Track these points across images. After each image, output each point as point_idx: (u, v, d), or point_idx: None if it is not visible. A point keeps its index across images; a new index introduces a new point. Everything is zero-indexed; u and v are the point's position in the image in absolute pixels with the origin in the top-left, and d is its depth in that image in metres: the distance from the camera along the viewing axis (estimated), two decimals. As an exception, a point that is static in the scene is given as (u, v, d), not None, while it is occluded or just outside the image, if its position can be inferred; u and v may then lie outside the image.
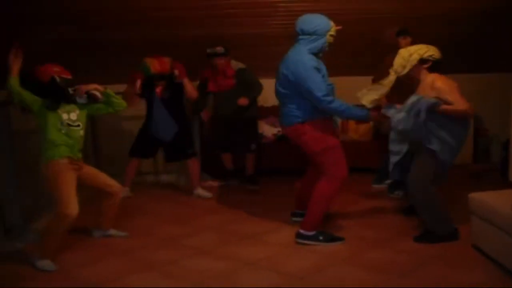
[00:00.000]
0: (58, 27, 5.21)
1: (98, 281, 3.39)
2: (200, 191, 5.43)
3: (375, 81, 4.72)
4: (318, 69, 3.69)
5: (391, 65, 4.02)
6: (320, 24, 3.71)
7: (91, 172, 3.96)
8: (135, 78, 4.96)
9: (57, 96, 3.65)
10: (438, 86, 3.72)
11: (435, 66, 3.86)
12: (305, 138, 3.85)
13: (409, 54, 3.86)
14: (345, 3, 5.21)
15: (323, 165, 3.86)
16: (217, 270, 3.50)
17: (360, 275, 3.35)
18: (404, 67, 3.88)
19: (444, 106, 3.66)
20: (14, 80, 3.52)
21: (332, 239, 3.91)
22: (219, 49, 5.19)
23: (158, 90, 5.08)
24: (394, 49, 4.38)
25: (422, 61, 3.83)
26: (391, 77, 4.06)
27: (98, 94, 3.77)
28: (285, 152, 5.87)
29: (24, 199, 4.37)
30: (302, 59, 3.68)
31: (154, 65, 4.94)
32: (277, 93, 3.95)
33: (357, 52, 6.13)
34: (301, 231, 3.91)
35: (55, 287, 3.33)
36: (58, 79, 3.64)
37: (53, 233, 3.61)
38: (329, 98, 3.64)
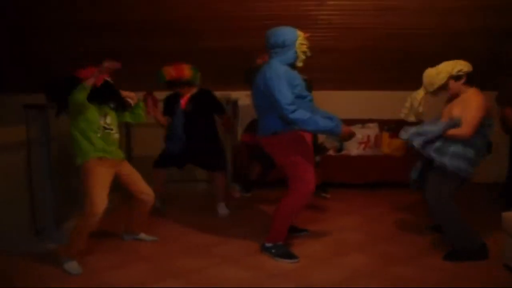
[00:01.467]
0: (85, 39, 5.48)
1: (122, 286, 3.41)
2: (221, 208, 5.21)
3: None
4: (289, 79, 3.62)
5: None
6: (287, 35, 3.70)
7: (129, 173, 3.95)
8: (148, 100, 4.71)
9: (106, 98, 3.66)
10: (469, 102, 3.69)
11: (471, 79, 3.78)
12: (274, 150, 3.84)
13: (437, 73, 3.82)
14: (380, 16, 5.17)
15: (289, 179, 3.83)
16: (242, 279, 3.51)
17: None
18: (432, 84, 3.84)
19: (447, 133, 3.67)
20: (85, 90, 3.44)
21: (284, 255, 3.85)
22: None
23: (182, 101, 4.95)
24: None
25: (455, 78, 3.77)
26: (421, 93, 3.98)
27: (131, 102, 3.84)
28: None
29: (57, 200, 4.43)
30: (272, 69, 3.65)
31: (169, 72, 4.77)
32: (255, 105, 3.94)
33: (387, 67, 6.10)
34: (265, 243, 3.95)
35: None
36: (110, 81, 3.69)
37: (79, 231, 3.64)
38: (292, 107, 3.55)
